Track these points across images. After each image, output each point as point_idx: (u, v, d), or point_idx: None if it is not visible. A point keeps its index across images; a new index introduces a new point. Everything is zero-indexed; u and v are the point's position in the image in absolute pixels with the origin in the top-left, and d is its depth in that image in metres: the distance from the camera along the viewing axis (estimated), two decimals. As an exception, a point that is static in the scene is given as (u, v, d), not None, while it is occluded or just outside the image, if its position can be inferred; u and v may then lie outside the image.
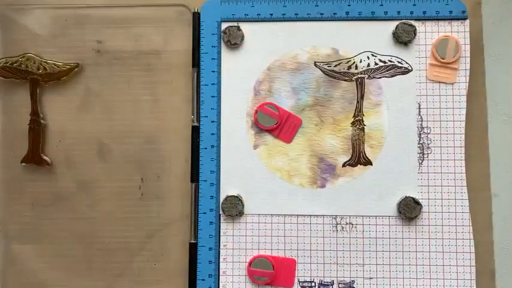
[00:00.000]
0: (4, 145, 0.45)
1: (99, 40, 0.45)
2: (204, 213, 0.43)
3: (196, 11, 0.44)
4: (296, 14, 0.44)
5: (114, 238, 0.44)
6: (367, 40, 0.43)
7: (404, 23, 0.43)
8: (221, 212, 0.43)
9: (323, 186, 0.43)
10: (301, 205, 0.43)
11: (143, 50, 0.45)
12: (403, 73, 0.43)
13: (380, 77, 0.43)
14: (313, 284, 0.42)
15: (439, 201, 0.42)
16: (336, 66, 0.43)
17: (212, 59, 0.44)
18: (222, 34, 0.44)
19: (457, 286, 0.41)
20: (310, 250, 0.42)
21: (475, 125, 0.43)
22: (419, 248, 0.42)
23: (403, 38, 0.43)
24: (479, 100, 0.43)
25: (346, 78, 0.43)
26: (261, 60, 0.44)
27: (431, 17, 0.43)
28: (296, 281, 0.42)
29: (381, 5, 0.43)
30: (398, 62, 0.43)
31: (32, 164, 0.44)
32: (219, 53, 0.44)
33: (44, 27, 0.45)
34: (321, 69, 0.43)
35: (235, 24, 0.44)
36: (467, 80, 0.42)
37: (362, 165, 0.43)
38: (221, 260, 0.43)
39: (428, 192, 0.42)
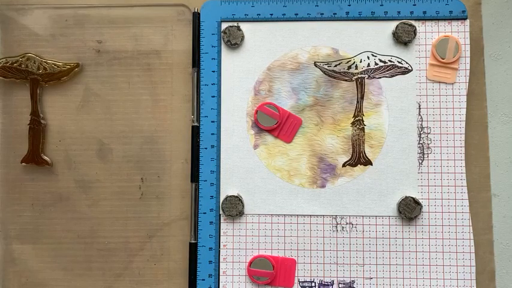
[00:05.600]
0: (4, 145, 0.45)
1: (99, 40, 0.45)
2: (204, 213, 0.43)
3: (196, 11, 0.44)
4: (296, 14, 0.44)
5: (114, 238, 0.44)
6: (367, 40, 0.43)
7: (404, 23, 0.43)
8: (221, 212, 0.43)
9: (323, 186, 0.43)
10: (301, 205, 0.43)
11: (143, 50, 0.45)
12: (403, 73, 0.43)
13: (380, 77, 0.43)
14: (313, 284, 0.42)
15: (439, 201, 0.42)
16: (336, 66, 0.43)
17: (212, 59, 0.44)
18: (222, 34, 0.44)
19: (457, 286, 0.41)
20: (310, 250, 0.42)
21: (475, 125, 0.43)
22: (419, 248, 0.42)
23: (403, 38, 0.43)
24: (479, 100, 0.43)
25: (346, 78, 0.43)
26: (261, 60, 0.44)
27: (431, 17, 0.43)
28: (296, 281, 0.42)
29: (381, 5, 0.43)
30: (398, 62, 0.43)
31: (32, 164, 0.44)
32: (219, 53, 0.44)
33: (44, 27, 0.45)
34: (321, 69, 0.43)
35: (235, 24, 0.44)
36: (467, 80, 0.42)
37: (362, 165, 0.43)
38: (221, 260, 0.43)
39: (428, 192, 0.42)
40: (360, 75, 0.43)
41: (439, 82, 0.43)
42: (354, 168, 0.43)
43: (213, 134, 0.43)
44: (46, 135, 0.45)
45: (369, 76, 0.43)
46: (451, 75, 0.43)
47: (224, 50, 0.44)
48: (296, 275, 0.42)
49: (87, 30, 0.45)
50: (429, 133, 0.42)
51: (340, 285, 0.42)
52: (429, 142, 0.42)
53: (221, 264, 0.42)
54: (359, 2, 0.43)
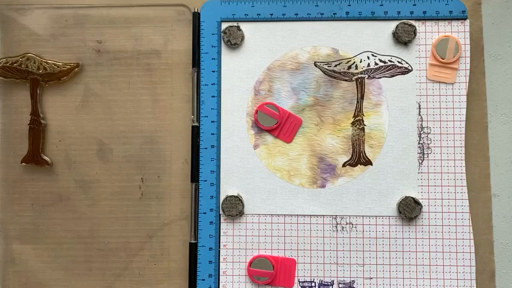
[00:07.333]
0: (4, 145, 0.45)
1: (99, 40, 0.45)
2: (204, 213, 0.43)
3: (196, 11, 0.44)
4: (296, 14, 0.44)
5: (114, 238, 0.44)
6: (367, 40, 0.43)
7: (404, 23, 0.43)
8: (221, 212, 0.43)
9: (323, 186, 0.43)
10: (301, 205, 0.43)
11: (143, 50, 0.45)
12: (403, 73, 0.43)
13: (380, 77, 0.43)
14: (313, 284, 0.42)
15: (439, 201, 0.42)
16: (336, 66, 0.43)
17: (212, 59, 0.44)
18: (222, 34, 0.44)
19: (457, 286, 0.41)
20: (310, 250, 0.42)
21: (475, 125, 0.43)
22: (419, 248, 0.42)
23: (403, 38, 0.43)
24: (479, 100, 0.43)
25: (346, 78, 0.43)
26: (261, 60, 0.44)
27: (431, 17, 0.43)
28: (296, 281, 0.42)
29: (381, 5, 0.43)
30: (398, 62, 0.43)
31: (32, 164, 0.44)
32: (219, 53, 0.44)
33: (44, 27, 0.45)
34: (321, 69, 0.43)
35: (235, 24, 0.44)
36: (467, 80, 0.42)
37: (362, 165, 0.43)
38: (221, 260, 0.43)
39: (428, 192, 0.42)
40: (360, 75, 0.43)
41: (439, 82, 0.43)
42: (354, 168, 0.43)
43: (213, 134, 0.43)
44: (46, 135, 0.45)
45: (369, 76, 0.43)
46: (451, 75, 0.43)
47: (224, 50, 0.44)
48: (296, 275, 0.42)
49: (87, 30, 0.45)
50: (429, 133, 0.42)
51: (340, 285, 0.42)
52: (429, 142, 0.42)
53: (221, 264, 0.42)
54: (359, 2, 0.43)
